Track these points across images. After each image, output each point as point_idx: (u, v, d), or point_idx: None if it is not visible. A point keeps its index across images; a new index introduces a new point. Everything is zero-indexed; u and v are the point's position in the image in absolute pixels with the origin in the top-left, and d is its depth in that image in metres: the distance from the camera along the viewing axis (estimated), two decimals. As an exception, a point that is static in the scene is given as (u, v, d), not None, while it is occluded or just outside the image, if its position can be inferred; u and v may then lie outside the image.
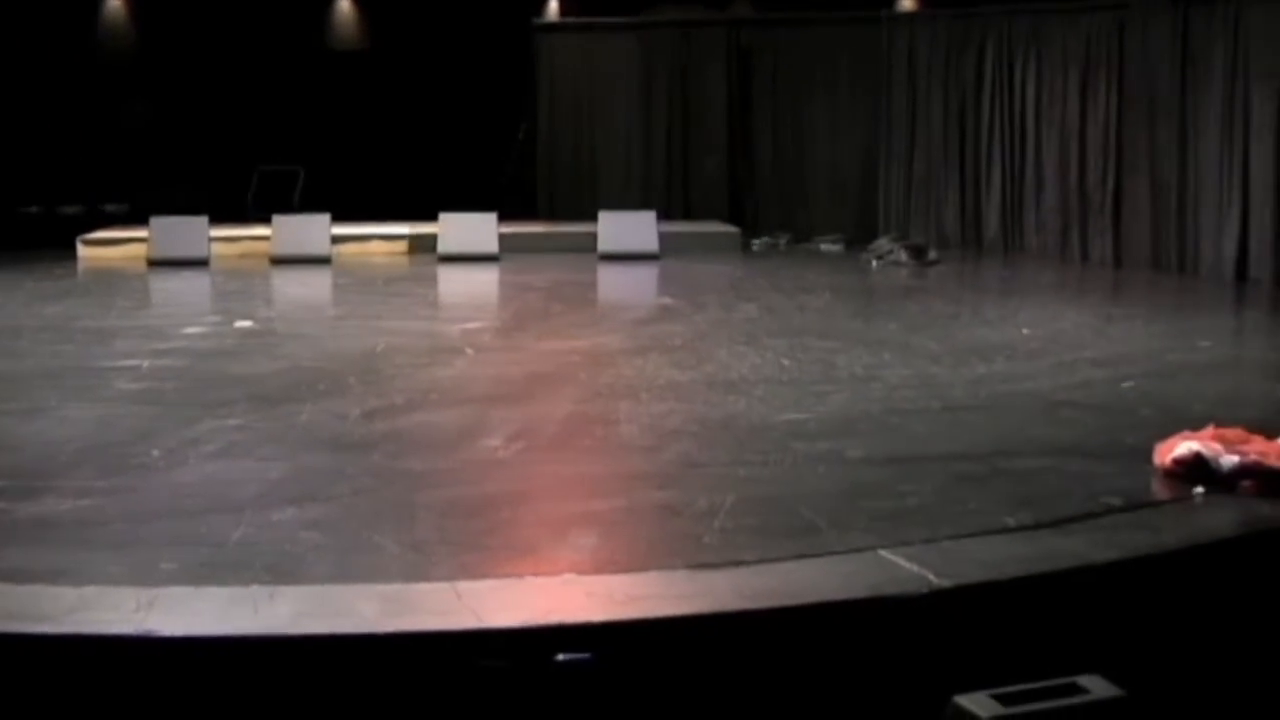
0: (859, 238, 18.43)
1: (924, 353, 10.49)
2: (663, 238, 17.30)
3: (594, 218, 17.58)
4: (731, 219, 19.37)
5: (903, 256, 16.74)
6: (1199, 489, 6.42)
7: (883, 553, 5.46)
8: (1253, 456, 6.51)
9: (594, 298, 15.37)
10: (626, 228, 17.35)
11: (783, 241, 18.83)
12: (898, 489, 6.58)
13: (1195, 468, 6.54)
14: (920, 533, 5.78)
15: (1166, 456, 6.71)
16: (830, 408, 8.55)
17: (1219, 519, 6.09)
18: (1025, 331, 11.57)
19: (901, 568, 5.27)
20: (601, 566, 5.46)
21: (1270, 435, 6.88)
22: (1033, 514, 6.08)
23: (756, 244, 18.65)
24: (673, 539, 5.87)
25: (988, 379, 9.50)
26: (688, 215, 19.71)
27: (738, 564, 5.37)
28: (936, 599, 5.03)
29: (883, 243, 17.63)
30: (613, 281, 16.26)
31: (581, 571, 5.36)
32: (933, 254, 16.89)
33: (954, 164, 18.47)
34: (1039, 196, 17.34)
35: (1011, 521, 5.99)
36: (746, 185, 20.06)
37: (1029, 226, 17.53)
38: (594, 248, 17.12)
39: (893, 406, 8.58)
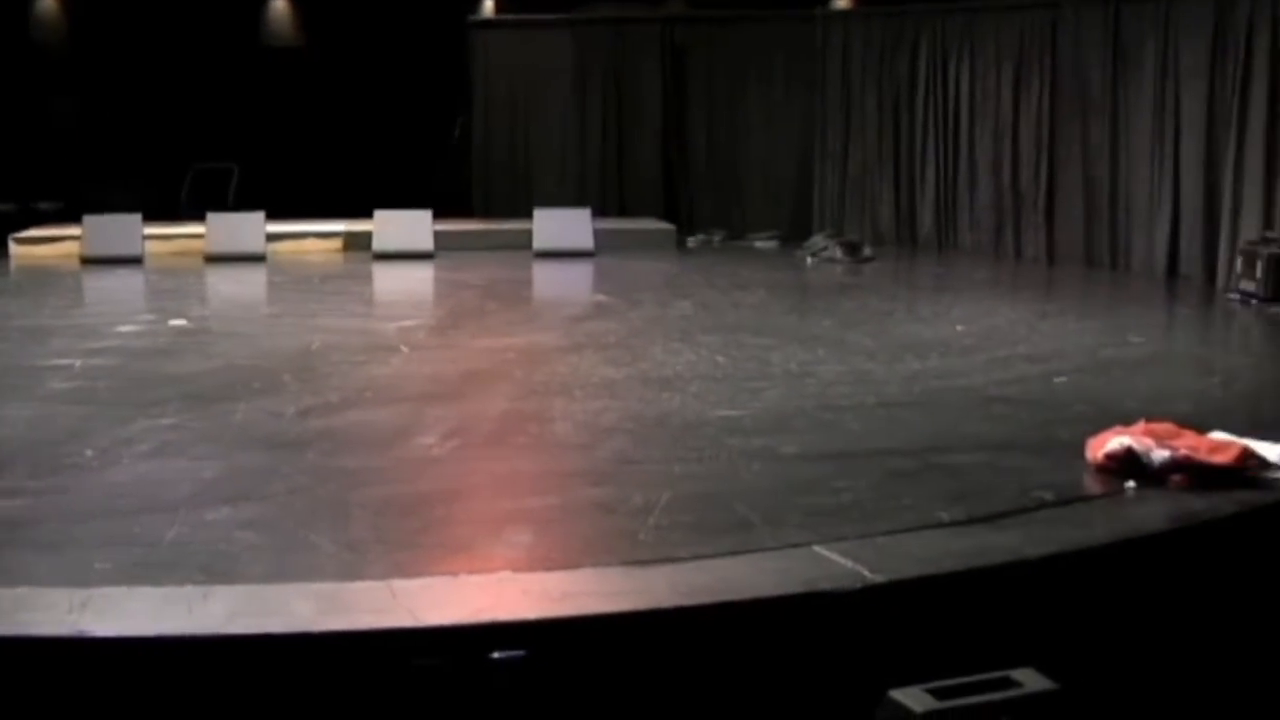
0: (794, 235, 18.47)
1: (859, 349, 10.53)
2: (598, 235, 17.29)
3: (529, 215, 17.55)
4: (666, 216, 19.37)
5: (838, 253, 16.78)
6: (1130, 483, 6.48)
7: (817, 548, 5.48)
8: (1183, 451, 6.57)
9: (529, 295, 15.34)
10: (562, 225, 17.34)
11: (718, 238, 18.85)
12: (832, 485, 6.60)
13: (1127, 462, 6.60)
14: (855, 528, 5.81)
15: (1098, 451, 6.76)
16: (765, 404, 8.57)
17: (1150, 513, 6.14)
18: (959, 328, 11.63)
19: (836, 563, 5.29)
20: (536, 564, 5.45)
21: (1201, 430, 6.95)
22: (966, 509, 6.12)
23: (691, 241, 18.66)
24: (608, 536, 5.87)
25: (922, 375, 9.55)
26: (623, 212, 19.68)
27: (673, 561, 5.37)
28: (871, 594, 5.05)
29: (818, 240, 17.67)
30: (548, 279, 16.23)
31: (516, 569, 5.35)
32: (867, 251, 16.94)
33: (888, 161, 18.55)
34: (973, 193, 17.43)
35: (945, 517, 6.02)
36: (681, 182, 20.07)
37: (963, 223, 17.63)
38: (529, 245, 17.09)
39: (827, 403, 8.60)
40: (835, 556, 5.36)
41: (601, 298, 14.09)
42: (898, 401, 8.68)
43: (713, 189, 19.95)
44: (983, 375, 9.53)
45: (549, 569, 5.36)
